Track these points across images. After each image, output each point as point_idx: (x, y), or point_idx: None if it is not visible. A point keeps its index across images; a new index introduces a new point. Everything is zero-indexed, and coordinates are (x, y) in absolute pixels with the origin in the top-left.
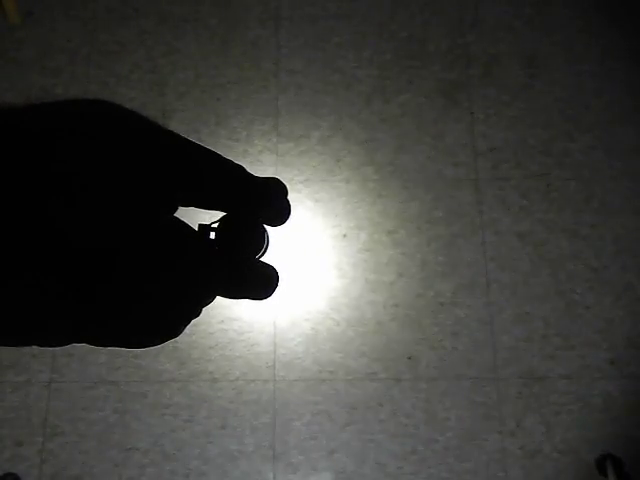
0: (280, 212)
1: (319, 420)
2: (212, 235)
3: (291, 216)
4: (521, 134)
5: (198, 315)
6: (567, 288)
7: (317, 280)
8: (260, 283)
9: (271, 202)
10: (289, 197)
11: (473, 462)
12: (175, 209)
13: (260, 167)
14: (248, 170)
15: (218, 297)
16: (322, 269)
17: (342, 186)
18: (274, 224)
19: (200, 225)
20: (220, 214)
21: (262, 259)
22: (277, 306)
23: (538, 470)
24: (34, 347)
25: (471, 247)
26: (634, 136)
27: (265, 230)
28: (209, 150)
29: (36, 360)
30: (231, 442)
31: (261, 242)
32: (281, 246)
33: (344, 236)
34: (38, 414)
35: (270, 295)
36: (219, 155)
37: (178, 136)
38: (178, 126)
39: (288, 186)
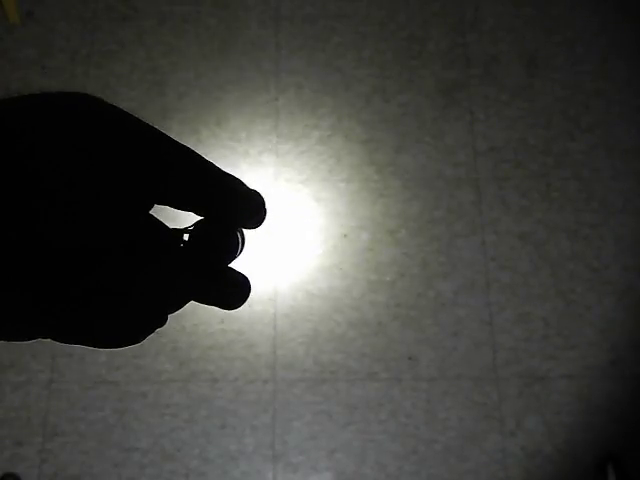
0: (256, 221)
1: (319, 420)
2: (186, 237)
3: (265, 220)
4: (521, 134)
5: (163, 324)
6: (567, 288)
7: (318, 280)
8: (230, 291)
9: (248, 214)
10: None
11: (473, 462)
12: (150, 207)
13: (260, 167)
14: (233, 175)
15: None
16: (323, 269)
17: (343, 186)
18: (248, 228)
19: (174, 229)
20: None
21: (235, 267)
22: (278, 307)
23: (538, 470)
24: (33, 347)
25: (471, 247)
26: (634, 136)
27: (241, 232)
28: (189, 149)
29: (36, 360)
30: (231, 442)
31: (234, 249)
32: (281, 246)
33: (345, 236)
34: (38, 414)
35: (239, 304)
36: (200, 156)
37: (158, 133)
38: (178, 126)
39: (289, 186)
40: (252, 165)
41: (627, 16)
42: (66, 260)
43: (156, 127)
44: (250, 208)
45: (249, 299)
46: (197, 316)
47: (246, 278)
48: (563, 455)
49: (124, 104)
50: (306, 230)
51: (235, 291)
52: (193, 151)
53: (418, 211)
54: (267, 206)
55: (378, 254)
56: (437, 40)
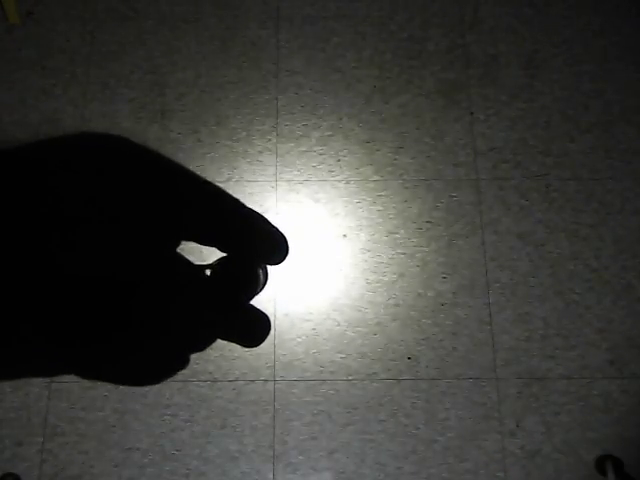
0: (277, 259)
1: (319, 420)
2: (207, 273)
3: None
4: (521, 134)
5: (184, 366)
6: (567, 288)
7: (317, 281)
8: (248, 329)
9: (267, 252)
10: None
11: (473, 462)
12: (178, 244)
13: (260, 167)
14: (255, 213)
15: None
16: (322, 269)
17: (342, 186)
18: (270, 264)
19: (196, 265)
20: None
21: (255, 305)
22: (277, 307)
23: (538, 470)
24: None
25: (471, 247)
26: (634, 136)
27: (263, 269)
28: (210, 185)
29: None
30: (231, 442)
31: (255, 286)
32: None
33: (344, 236)
34: (38, 414)
35: (258, 343)
36: (221, 192)
37: (180, 168)
38: (178, 126)
39: (289, 186)
40: (252, 165)
41: (627, 16)
42: (78, 286)
43: (179, 163)
44: (269, 247)
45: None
46: None
47: (266, 316)
48: (562, 455)
49: (124, 104)
50: (305, 230)
51: (254, 329)
52: (215, 187)
53: (417, 211)
54: (288, 244)
55: (377, 254)
56: (437, 40)
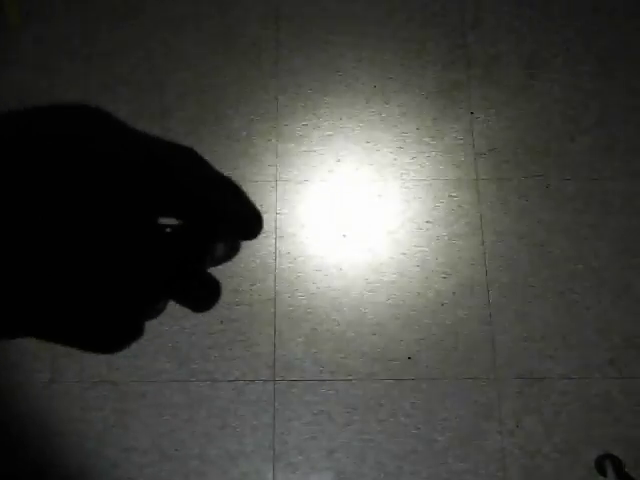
0: (250, 236)
1: (319, 420)
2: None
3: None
4: (521, 134)
5: (138, 333)
6: (567, 288)
7: (317, 280)
8: (199, 295)
9: (242, 229)
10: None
11: (473, 462)
12: (153, 213)
13: (260, 167)
14: (232, 188)
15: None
16: (322, 269)
17: (342, 186)
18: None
19: (158, 224)
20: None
21: (209, 272)
22: (278, 306)
23: (537, 470)
24: (33, 346)
25: (471, 247)
26: (634, 136)
27: (231, 240)
28: (188, 164)
29: (36, 360)
30: (231, 442)
31: (213, 256)
32: (281, 246)
33: (344, 236)
34: (39, 414)
35: (207, 309)
36: (198, 166)
37: (161, 144)
38: (178, 126)
39: (288, 186)
40: (252, 165)
41: (627, 16)
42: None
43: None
44: (239, 221)
45: (249, 297)
46: (197, 316)
47: (217, 283)
48: (562, 455)
49: (124, 104)
50: (305, 230)
51: (203, 295)
52: (196, 161)
53: (417, 211)
54: (261, 221)
55: (377, 254)
56: (437, 40)
